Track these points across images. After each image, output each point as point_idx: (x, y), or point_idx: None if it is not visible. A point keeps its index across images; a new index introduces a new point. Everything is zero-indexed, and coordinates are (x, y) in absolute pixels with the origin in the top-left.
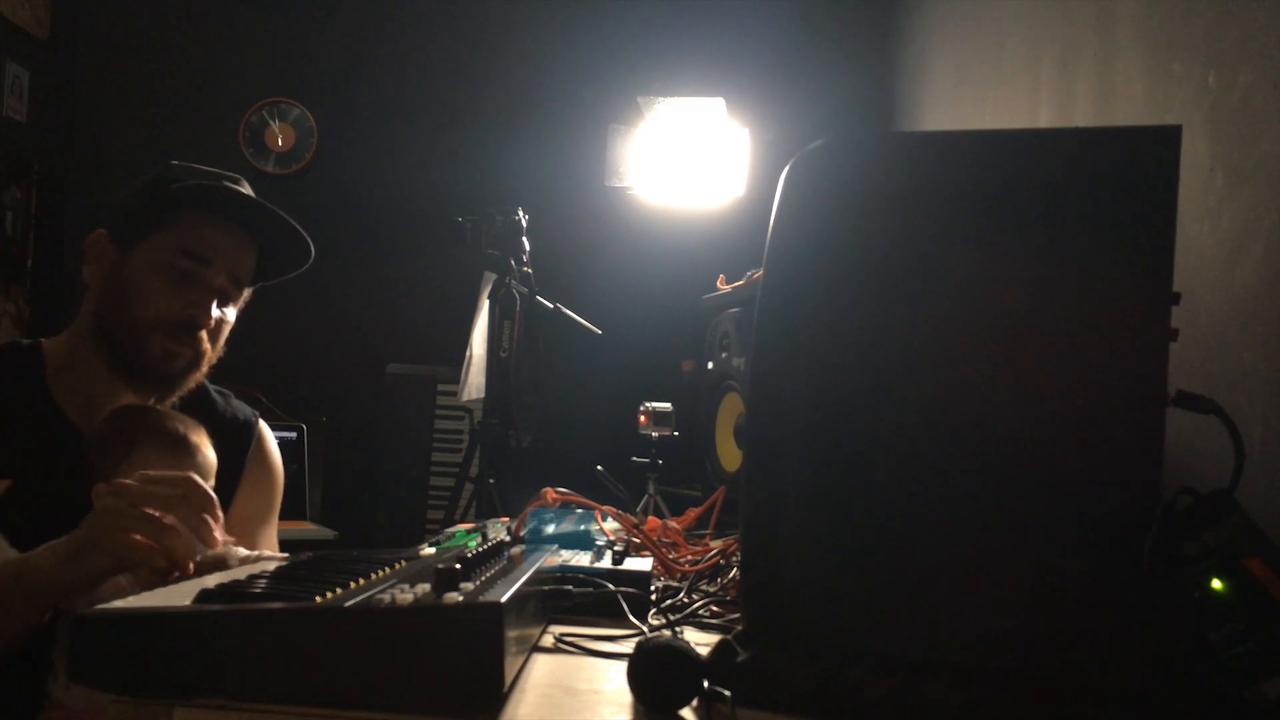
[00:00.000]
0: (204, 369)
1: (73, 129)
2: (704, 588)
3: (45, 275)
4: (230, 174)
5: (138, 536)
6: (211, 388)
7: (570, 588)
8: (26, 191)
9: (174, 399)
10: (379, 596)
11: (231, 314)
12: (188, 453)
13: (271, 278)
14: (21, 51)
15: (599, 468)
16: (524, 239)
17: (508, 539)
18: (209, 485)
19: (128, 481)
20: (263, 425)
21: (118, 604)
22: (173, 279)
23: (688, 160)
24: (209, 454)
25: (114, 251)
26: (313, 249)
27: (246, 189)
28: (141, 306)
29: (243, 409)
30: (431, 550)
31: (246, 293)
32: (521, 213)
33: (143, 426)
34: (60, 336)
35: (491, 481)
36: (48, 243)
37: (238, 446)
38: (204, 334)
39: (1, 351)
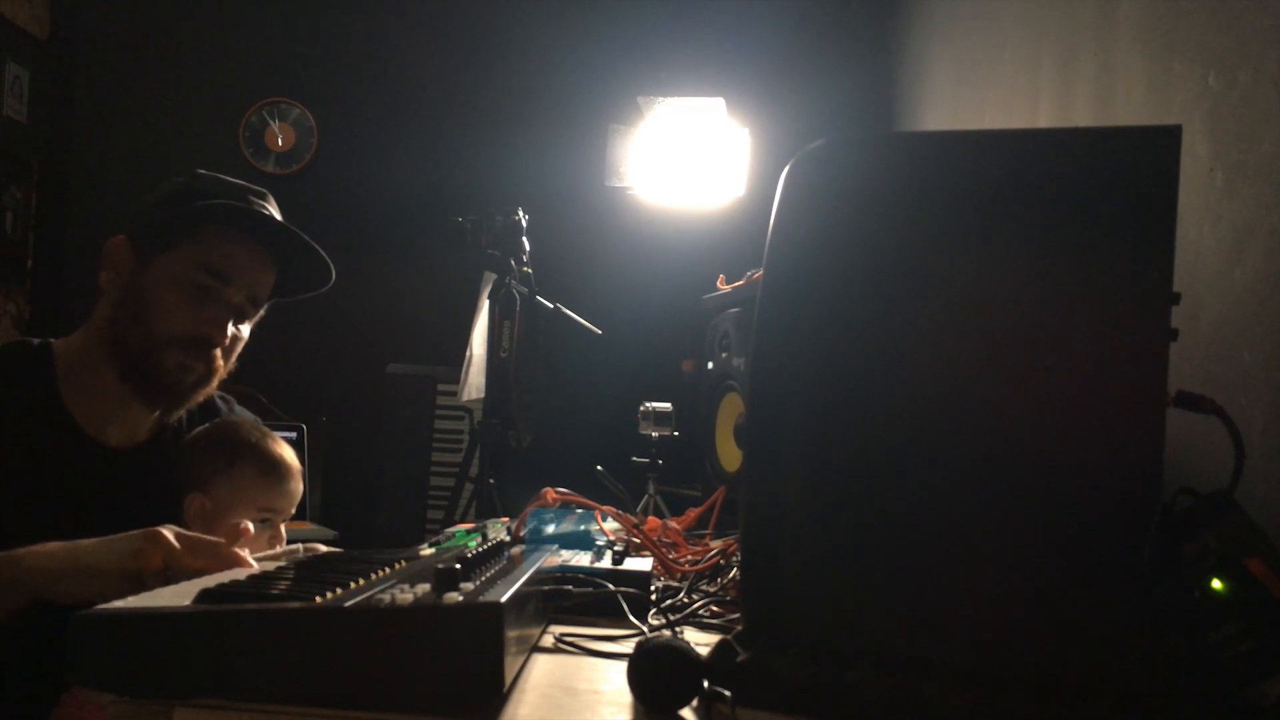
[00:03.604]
0: (214, 384)
1: (73, 129)
2: (704, 588)
3: (45, 275)
4: (257, 188)
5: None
6: (216, 394)
7: (570, 588)
8: (26, 191)
9: (181, 412)
10: (379, 596)
11: (246, 330)
12: (281, 477)
13: (289, 296)
14: (21, 51)
15: (599, 468)
16: (524, 239)
17: (508, 539)
18: (291, 511)
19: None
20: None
21: (118, 604)
22: (191, 294)
23: (688, 160)
24: (299, 483)
25: (133, 260)
26: (334, 272)
27: (272, 205)
28: (158, 320)
29: (246, 415)
30: (431, 550)
31: (263, 309)
32: (521, 213)
33: (245, 444)
34: (72, 338)
35: (491, 481)
36: (48, 243)
37: None
38: (218, 351)
39: (11, 351)
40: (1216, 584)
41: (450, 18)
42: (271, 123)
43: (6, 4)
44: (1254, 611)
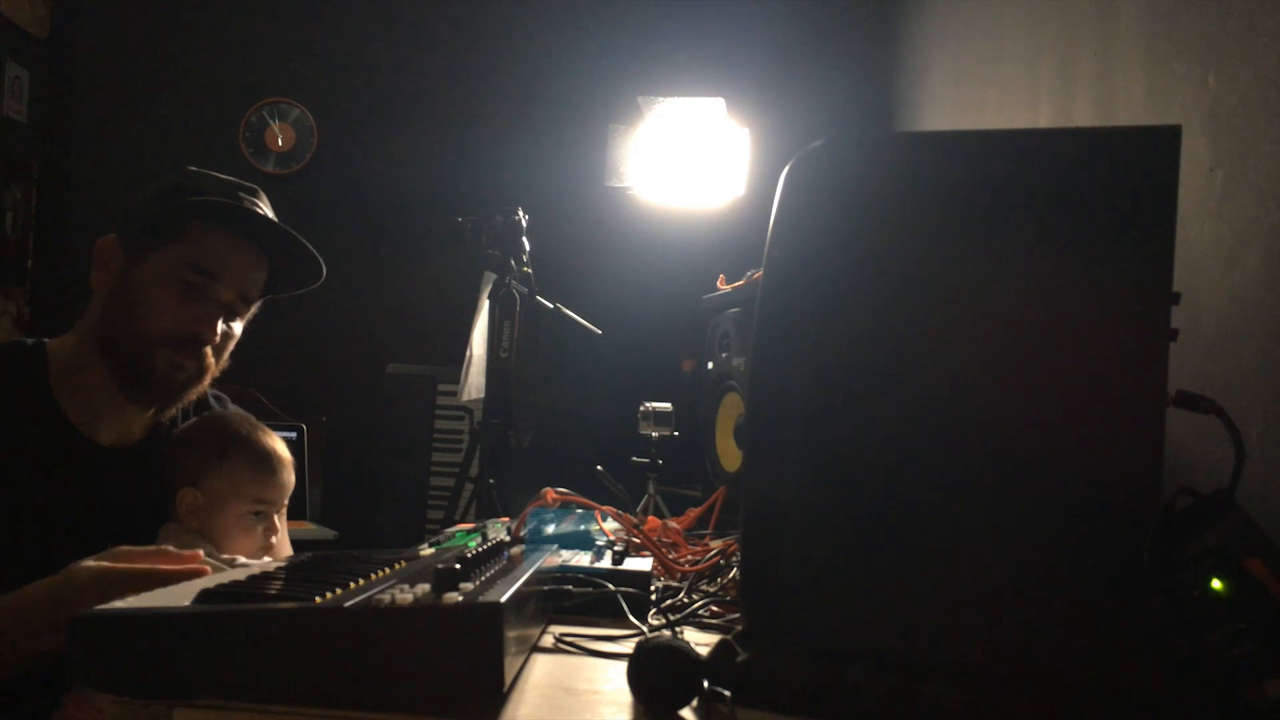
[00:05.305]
0: (206, 382)
1: (73, 129)
2: (704, 588)
3: (45, 275)
4: (247, 184)
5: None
6: (209, 392)
7: (570, 588)
8: (26, 191)
9: (174, 411)
10: (379, 596)
11: (238, 328)
12: (273, 468)
13: (281, 292)
14: (21, 51)
15: (599, 468)
16: (524, 239)
17: (508, 539)
18: (284, 503)
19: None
20: None
21: (118, 604)
22: (180, 293)
23: (688, 160)
24: (291, 474)
25: (123, 259)
26: (324, 268)
27: (263, 201)
28: (147, 319)
29: (238, 411)
30: (431, 550)
31: (255, 306)
32: (521, 213)
33: (235, 437)
34: (66, 338)
35: (491, 481)
36: (48, 243)
37: None
38: (209, 349)
39: (4, 351)
40: (1216, 584)
41: (450, 18)
42: (271, 123)
43: (6, 4)
44: (1254, 612)
